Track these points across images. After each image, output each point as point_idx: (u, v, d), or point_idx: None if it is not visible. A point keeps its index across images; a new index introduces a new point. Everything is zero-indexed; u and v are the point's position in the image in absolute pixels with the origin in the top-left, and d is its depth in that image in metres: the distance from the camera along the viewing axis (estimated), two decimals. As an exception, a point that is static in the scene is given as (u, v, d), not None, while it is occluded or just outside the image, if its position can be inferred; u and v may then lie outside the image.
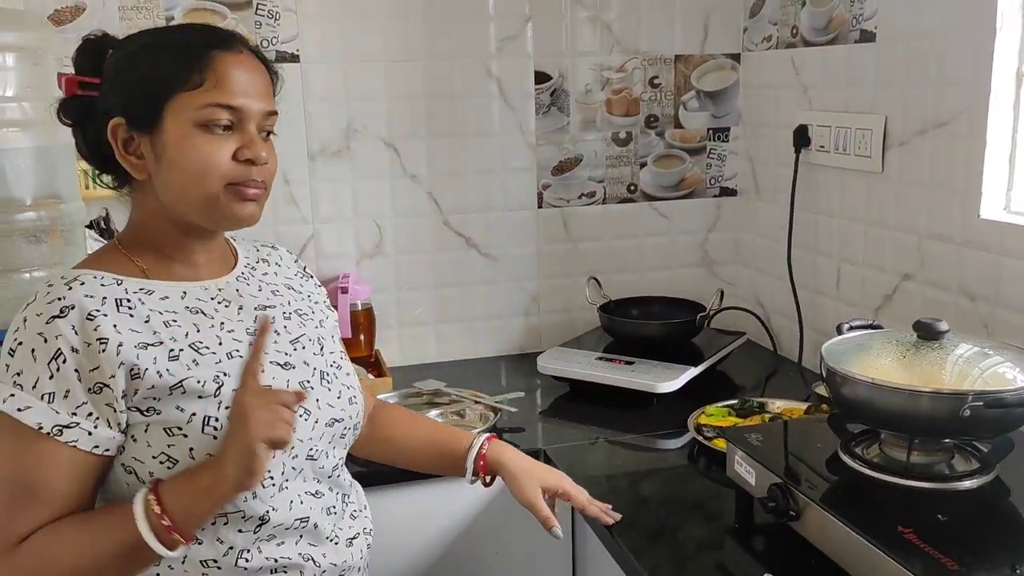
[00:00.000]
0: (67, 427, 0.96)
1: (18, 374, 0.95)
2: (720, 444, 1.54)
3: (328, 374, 1.16)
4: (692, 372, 1.84)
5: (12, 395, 0.95)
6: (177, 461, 1.00)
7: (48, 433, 0.95)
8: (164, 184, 1.04)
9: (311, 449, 1.10)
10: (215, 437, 1.00)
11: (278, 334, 1.13)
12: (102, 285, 1.00)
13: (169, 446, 1.00)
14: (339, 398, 1.16)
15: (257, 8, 1.93)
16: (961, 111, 1.56)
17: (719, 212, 2.30)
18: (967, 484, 1.19)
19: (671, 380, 1.78)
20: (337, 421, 1.14)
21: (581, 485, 1.36)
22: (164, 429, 1.00)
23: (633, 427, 1.73)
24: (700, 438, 1.60)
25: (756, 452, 1.32)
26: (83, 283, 0.99)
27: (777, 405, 1.72)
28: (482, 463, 1.30)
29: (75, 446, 0.97)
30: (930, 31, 1.62)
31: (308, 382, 1.12)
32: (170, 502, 0.97)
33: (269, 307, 1.15)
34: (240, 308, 1.11)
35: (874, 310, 1.82)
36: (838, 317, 1.92)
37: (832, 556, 1.13)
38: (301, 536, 1.10)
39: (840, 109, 1.87)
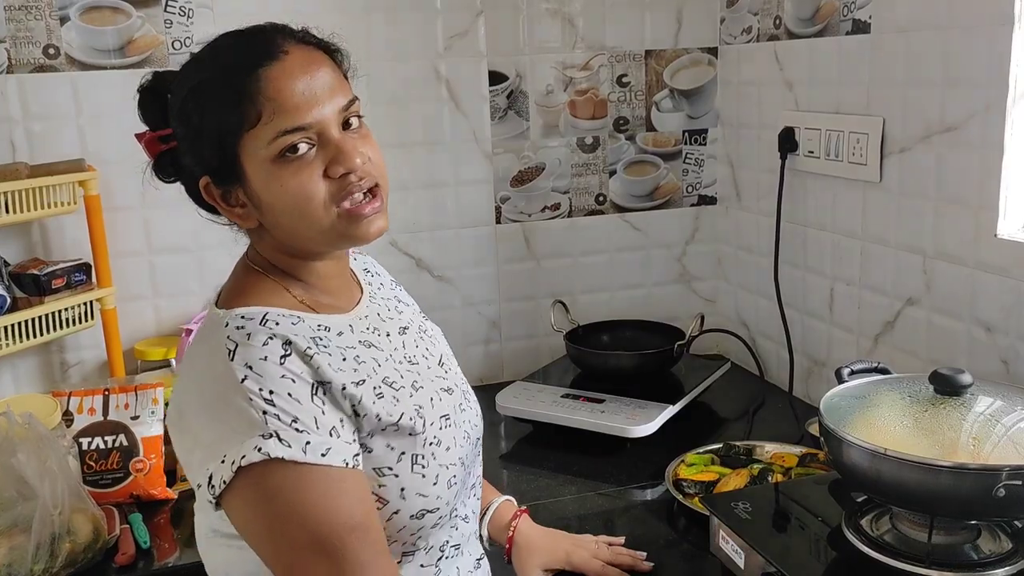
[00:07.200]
0: (356, 454, 0.92)
1: (295, 420, 0.87)
2: (702, 507, 1.33)
3: (467, 390, 1.13)
4: (669, 412, 1.62)
5: (308, 442, 0.87)
6: (388, 502, 0.96)
7: (351, 466, 0.90)
8: (274, 228, 0.97)
9: (468, 468, 1.08)
10: (423, 476, 0.97)
11: (426, 359, 1.09)
12: (292, 324, 0.93)
13: (380, 486, 0.95)
14: (478, 415, 1.13)
15: (167, 5, 1.69)
16: (973, 114, 1.36)
17: (697, 223, 2.12)
18: (999, 573, 1.00)
19: (645, 423, 1.57)
20: (478, 438, 1.12)
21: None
22: (374, 469, 0.95)
23: (604, 475, 1.54)
24: (679, 496, 1.39)
25: (744, 529, 1.12)
26: (277, 322, 0.92)
27: (767, 450, 1.51)
28: (510, 534, 1.24)
29: (360, 469, 0.93)
30: (935, 22, 1.41)
31: (463, 404, 1.09)
32: None
33: (406, 328, 1.10)
34: (388, 335, 1.06)
35: (873, 337, 1.61)
36: (831, 342, 1.74)
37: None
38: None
39: (831, 110, 1.67)
